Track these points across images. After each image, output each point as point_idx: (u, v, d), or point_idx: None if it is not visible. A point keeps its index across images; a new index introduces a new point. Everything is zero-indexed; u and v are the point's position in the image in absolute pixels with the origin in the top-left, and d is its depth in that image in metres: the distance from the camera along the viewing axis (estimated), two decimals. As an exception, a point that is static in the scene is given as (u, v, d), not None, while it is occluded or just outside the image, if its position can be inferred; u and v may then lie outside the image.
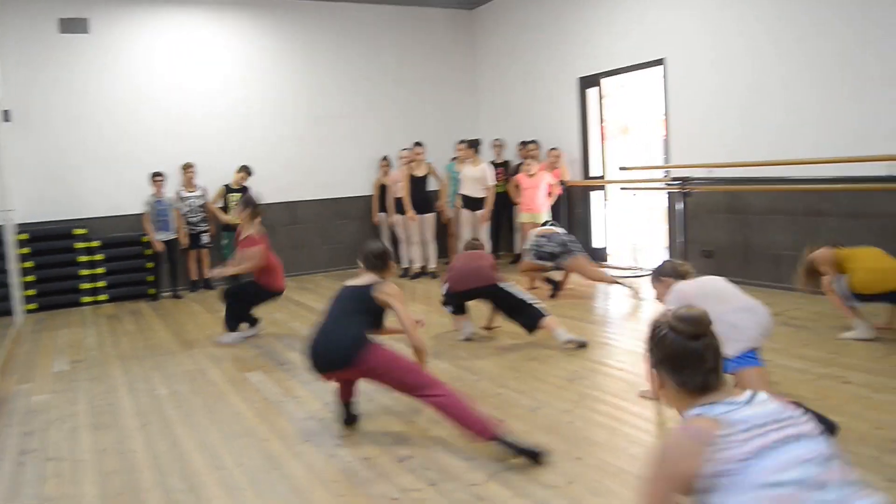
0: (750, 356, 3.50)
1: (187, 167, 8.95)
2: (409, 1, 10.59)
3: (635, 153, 10.74)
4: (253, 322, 6.38)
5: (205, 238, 9.04)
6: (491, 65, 11.03)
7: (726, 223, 7.47)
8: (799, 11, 6.57)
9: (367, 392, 4.33)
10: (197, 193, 9.00)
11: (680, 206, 7.59)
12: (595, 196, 9.45)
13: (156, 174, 8.61)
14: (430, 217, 9.11)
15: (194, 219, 8.96)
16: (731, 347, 3.38)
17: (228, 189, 9.09)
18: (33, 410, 4.59)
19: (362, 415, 4.05)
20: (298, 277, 9.64)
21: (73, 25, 8.64)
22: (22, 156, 8.35)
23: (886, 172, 5.93)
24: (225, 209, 9.05)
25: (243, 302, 6.28)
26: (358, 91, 10.42)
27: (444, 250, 10.08)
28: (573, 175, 9.38)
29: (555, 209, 8.92)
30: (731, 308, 3.51)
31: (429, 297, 7.60)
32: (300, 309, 7.47)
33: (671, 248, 8.00)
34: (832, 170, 6.30)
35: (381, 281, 3.93)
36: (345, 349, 3.62)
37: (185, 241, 8.86)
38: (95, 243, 8.56)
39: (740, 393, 1.76)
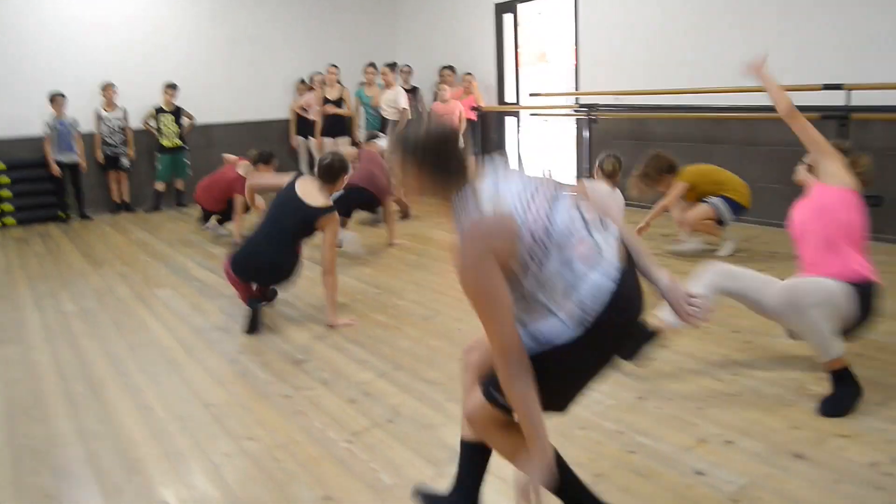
0: None
1: (107, 87, 8.69)
2: (326, -81, 10.35)
3: (551, 80, 10.90)
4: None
5: (124, 161, 8.89)
6: (411, -12, 10.94)
7: (631, 149, 7.71)
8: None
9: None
10: (117, 114, 8.79)
11: (587, 132, 7.86)
12: (509, 122, 9.64)
13: (55, 94, 8.27)
14: (344, 140, 9.16)
15: (113, 140, 8.78)
16: None
17: (160, 110, 8.93)
18: (-65, 326, 4.61)
19: (264, 325, 4.23)
20: (215, 201, 9.59)
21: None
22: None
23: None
24: (159, 131, 8.91)
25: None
26: (275, 13, 10.19)
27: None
28: (488, 101, 9.52)
29: (470, 135, 9.07)
30: None
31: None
32: (212, 230, 7.46)
33: (578, 172, 8.30)
34: (728, 99, 6.64)
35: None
36: None
37: (101, 158, 8.75)
38: (0, 166, 8.33)
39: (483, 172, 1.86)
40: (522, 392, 1.70)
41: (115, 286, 5.44)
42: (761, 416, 2.88)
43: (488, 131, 9.58)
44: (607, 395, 3.11)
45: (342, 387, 3.32)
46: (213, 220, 7.22)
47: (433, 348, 3.77)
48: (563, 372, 1.83)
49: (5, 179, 8.34)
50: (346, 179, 4.42)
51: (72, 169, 8.46)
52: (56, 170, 8.33)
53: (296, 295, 4.74)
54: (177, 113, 9.02)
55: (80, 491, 2.57)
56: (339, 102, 9.15)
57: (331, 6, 10.60)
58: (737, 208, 5.36)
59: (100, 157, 8.75)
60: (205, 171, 9.51)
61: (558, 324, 1.77)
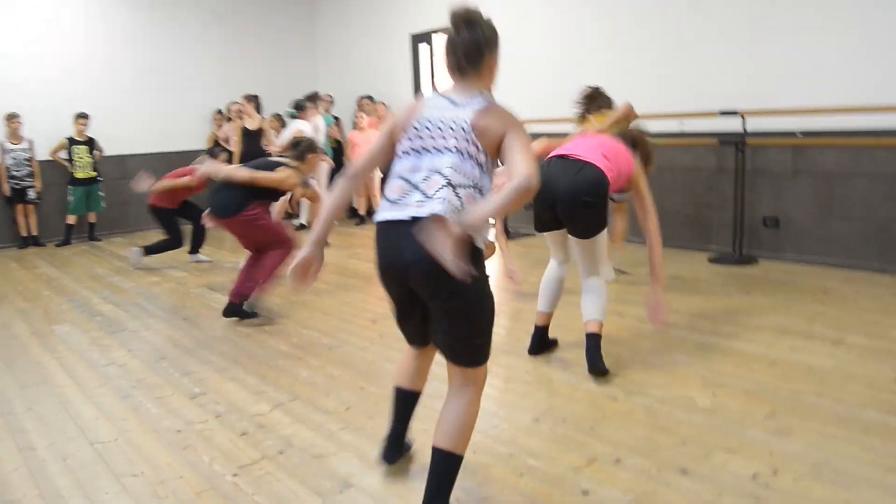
0: None
1: (12, 118, 8.41)
2: (244, -51, 10.34)
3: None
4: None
5: (31, 193, 8.59)
6: (330, 19, 10.99)
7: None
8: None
9: (173, 338, 4.43)
10: (23, 146, 8.50)
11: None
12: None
13: None
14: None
15: (19, 173, 8.48)
16: None
17: (73, 141, 8.67)
18: None
19: (164, 360, 4.11)
20: (129, 234, 9.35)
21: None
22: None
23: (677, 129, 6.53)
24: (71, 162, 8.64)
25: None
26: (192, 42, 10.09)
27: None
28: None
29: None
30: None
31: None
32: (123, 264, 7.27)
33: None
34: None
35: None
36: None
37: (7, 192, 8.44)
38: None
39: (468, 91, 2.20)
40: (333, 190, 2.36)
41: (11, 323, 5.21)
42: (651, 433, 2.93)
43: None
44: (503, 418, 3.12)
45: (235, 419, 3.24)
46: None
47: (333, 377, 3.72)
48: None
49: None
50: (317, 162, 5.17)
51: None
52: None
53: (196, 325, 4.63)
54: (90, 143, 8.79)
55: (-57, 539, 2.43)
56: (259, 132, 9.04)
57: (250, 36, 10.56)
58: None
59: (5, 190, 8.45)
60: (119, 203, 9.31)
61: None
